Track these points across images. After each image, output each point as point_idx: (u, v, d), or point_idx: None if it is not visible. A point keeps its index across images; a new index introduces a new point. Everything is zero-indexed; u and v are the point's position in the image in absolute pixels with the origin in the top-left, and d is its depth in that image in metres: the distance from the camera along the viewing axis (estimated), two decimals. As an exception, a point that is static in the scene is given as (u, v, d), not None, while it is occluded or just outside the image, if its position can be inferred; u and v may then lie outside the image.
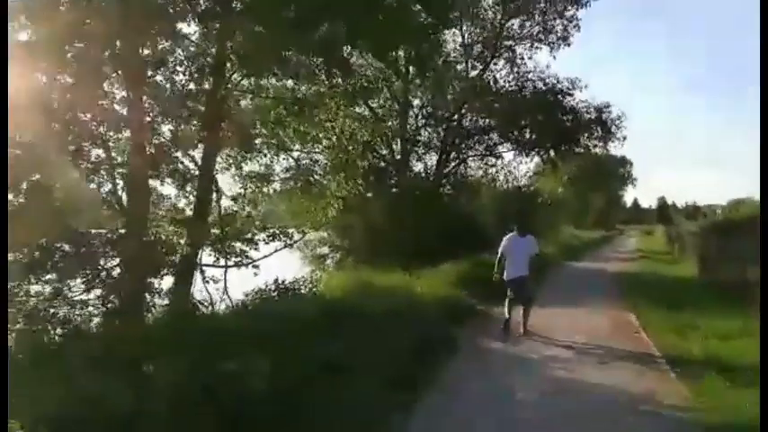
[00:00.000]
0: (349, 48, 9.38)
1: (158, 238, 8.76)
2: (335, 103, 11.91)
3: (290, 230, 10.51)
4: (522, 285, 7.47)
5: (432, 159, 19.87)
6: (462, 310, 8.89)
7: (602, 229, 53.09)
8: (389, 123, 19.86)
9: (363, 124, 19.46)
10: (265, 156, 11.94)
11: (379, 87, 13.93)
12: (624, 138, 18.72)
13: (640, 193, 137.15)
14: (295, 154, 20.33)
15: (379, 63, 18.89)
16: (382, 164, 19.77)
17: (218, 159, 9.94)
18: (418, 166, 20.09)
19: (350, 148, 19.49)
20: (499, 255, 7.70)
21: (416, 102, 19.69)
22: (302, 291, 9.68)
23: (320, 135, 15.86)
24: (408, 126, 19.79)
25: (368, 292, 9.51)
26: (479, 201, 22.32)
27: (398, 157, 18.99)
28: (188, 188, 9.50)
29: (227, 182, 11.61)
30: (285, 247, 10.05)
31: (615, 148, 19.14)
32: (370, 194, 20.05)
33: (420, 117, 19.75)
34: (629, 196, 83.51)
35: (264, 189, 19.89)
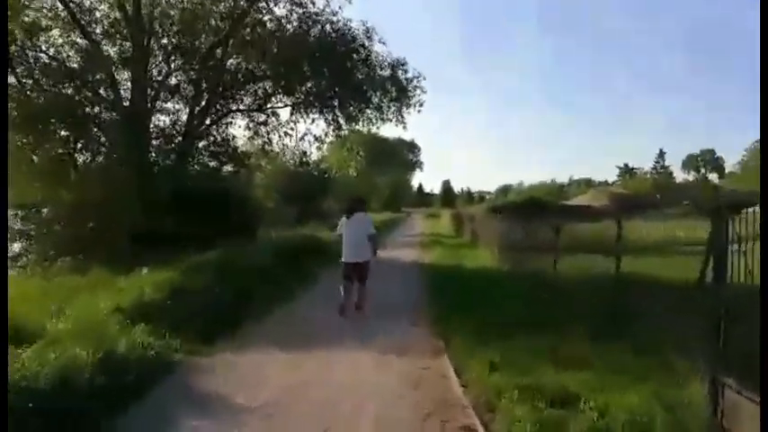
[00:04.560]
0: None
1: None
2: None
3: None
4: (362, 271, 7.31)
5: (184, 114, 14.30)
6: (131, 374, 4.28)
7: (389, 212, 53.07)
8: (116, 56, 13.66)
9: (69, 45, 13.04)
10: None
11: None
12: (421, 104, 15.69)
13: (422, 177, 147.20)
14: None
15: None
16: (105, 114, 13.45)
17: None
18: (164, 120, 14.33)
19: (37, 76, 12.69)
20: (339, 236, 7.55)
21: (161, 30, 13.80)
22: None
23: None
24: (151, 64, 13.84)
25: None
26: (251, 175, 17.61)
27: (127, 104, 12.90)
28: None
29: None
30: None
31: (410, 115, 15.76)
32: (83, 159, 13.65)
33: (166, 52, 13.93)
34: (414, 180, 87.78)
35: None
